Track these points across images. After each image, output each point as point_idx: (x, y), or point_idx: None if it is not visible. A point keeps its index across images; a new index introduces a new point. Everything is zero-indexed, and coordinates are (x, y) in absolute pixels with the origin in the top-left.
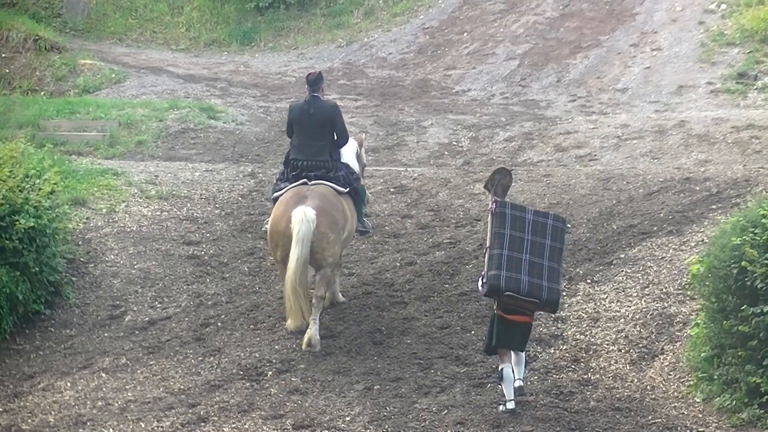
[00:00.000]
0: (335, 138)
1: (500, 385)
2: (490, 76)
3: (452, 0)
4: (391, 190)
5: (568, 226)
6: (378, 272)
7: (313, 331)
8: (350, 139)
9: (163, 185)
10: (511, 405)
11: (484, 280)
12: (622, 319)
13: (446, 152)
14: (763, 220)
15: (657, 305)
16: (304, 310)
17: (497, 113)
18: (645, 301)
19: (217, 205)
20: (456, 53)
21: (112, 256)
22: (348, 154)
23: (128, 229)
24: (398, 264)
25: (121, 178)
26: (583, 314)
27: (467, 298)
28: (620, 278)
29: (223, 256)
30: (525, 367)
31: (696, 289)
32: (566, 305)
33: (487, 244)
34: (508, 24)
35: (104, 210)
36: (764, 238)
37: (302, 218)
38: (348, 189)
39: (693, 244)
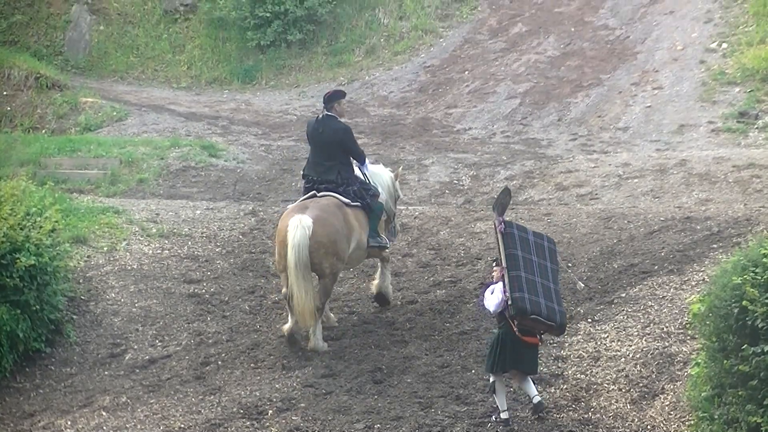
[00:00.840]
0: (349, 158)
1: (492, 396)
2: (491, 114)
3: (453, 39)
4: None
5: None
6: (379, 310)
7: (313, 343)
8: (386, 170)
9: (164, 223)
10: (505, 415)
11: (509, 302)
12: (623, 359)
13: (447, 191)
14: (764, 260)
15: (658, 344)
16: (310, 317)
17: (498, 152)
18: (646, 340)
19: (218, 244)
20: (457, 92)
21: (113, 294)
22: (382, 183)
23: (129, 267)
24: (399, 302)
25: (122, 216)
26: (584, 353)
27: (468, 337)
28: (621, 317)
29: (223, 294)
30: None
31: (697, 328)
32: (567, 344)
33: (504, 264)
34: (509, 62)
35: (105, 248)
36: (765, 277)
37: (297, 225)
38: (359, 203)
39: (694, 283)
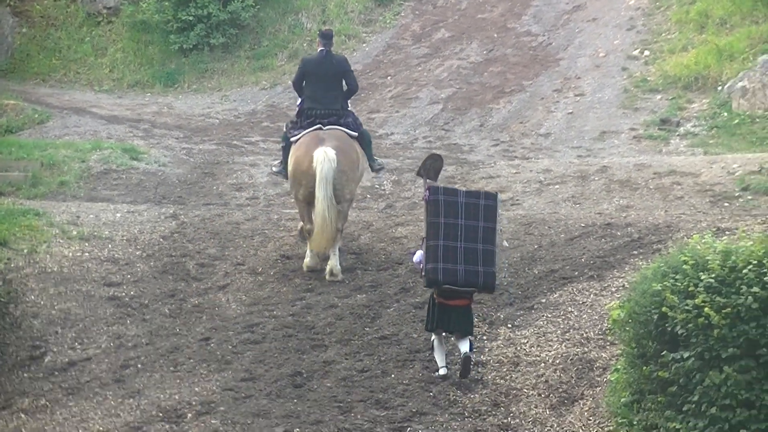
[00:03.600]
0: (344, 89)
1: (432, 353)
2: (414, 119)
3: (377, 44)
4: None
5: (501, 200)
6: (299, 315)
7: (334, 262)
8: None
9: (84, 226)
10: (443, 371)
11: (422, 273)
12: (543, 364)
13: (369, 195)
14: (684, 267)
15: (577, 350)
16: (331, 241)
17: (420, 157)
18: (565, 345)
19: (138, 247)
20: (379, 97)
21: (33, 297)
22: None
23: (49, 270)
24: (319, 307)
25: (43, 219)
26: (504, 359)
27: (388, 342)
28: (541, 323)
29: (143, 297)
30: (471, 349)
31: (616, 334)
32: (486, 349)
33: (424, 234)
34: (432, 68)
35: (25, 250)
36: (685, 284)
37: (324, 158)
38: (357, 133)
39: (614, 289)
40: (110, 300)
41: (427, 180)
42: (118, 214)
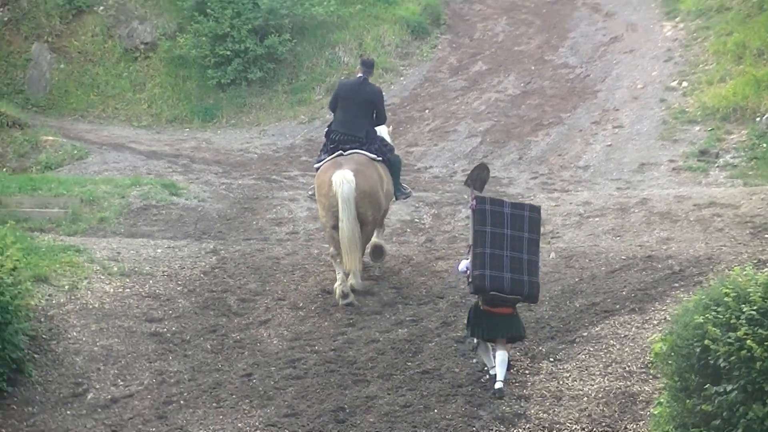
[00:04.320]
0: (374, 118)
1: (478, 356)
2: (452, 153)
3: (414, 77)
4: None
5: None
6: (340, 349)
7: (354, 281)
8: (384, 128)
9: (125, 262)
10: (493, 371)
11: (469, 280)
12: (585, 398)
13: (408, 229)
14: (726, 299)
15: (620, 384)
16: (361, 260)
17: (459, 190)
18: (608, 379)
19: (179, 282)
20: (418, 130)
21: (75, 333)
22: (383, 132)
23: (90, 306)
24: (361, 341)
25: (84, 255)
26: (546, 393)
27: (430, 376)
28: (583, 356)
29: (185, 333)
30: (508, 369)
31: (659, 367)
32: (529, 383)
33: (470, 243)
34: (470, 101)
35: (66, 287)
36: (727, 316)
37: (342, 180)
38: (381, 158)
39: (655, 322)
40: (152, 336)
41: (474, 190)
42: (159, 250)
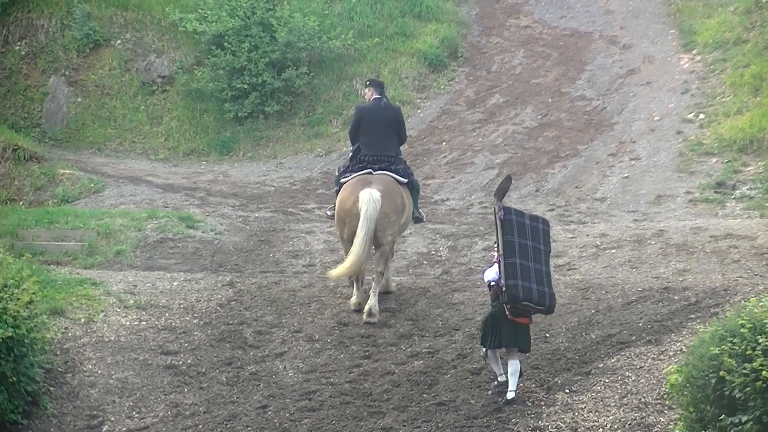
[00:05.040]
0: (398, 136)
1: (488, 364)
2: (469, 185)
3: (431, 110)
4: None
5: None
6: (356, 382)
7: (373, 302)
8: None
9: (141, 295)
10: (502, 378)
11: (503, 289)
12: (601, 429)
13: (425, 261)
14: (742, 330)
15: (635, 415)
16: (355, 275)
17: (476, 222)
18: (623, 410)
19: (195, 315)
20: (435, 162)
21: (90, 366)
22: None
23: (106, 339)
24: (376, 373)
25: (100, 288)
26: (562, 424)
27: (445, 408)
28: (599, 388)
29: (201, 365)
30: (519, 378)
31: (674, 398)
32: (544, 415)
33: (500, 252)
34: (487, 133)
35: (82, 320)
36: (743, 347)
37: (369, 198)
38: (407, 180)
39: (671, 353)
40: (167, 368)
41: (498, 201)
42: (175, 283)
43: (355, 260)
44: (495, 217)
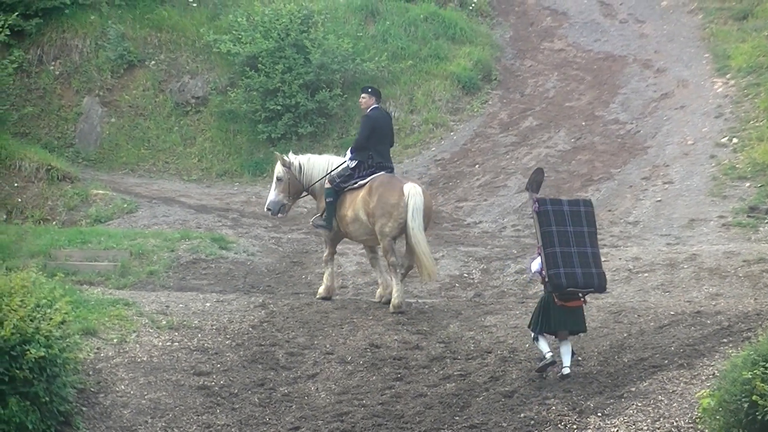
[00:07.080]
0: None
1: (536, 344)
2: (502, 208)
3: (464, 132)
4: (402, 321)
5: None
6: (388, 404)
7: (398, 297)
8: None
9: (174, 315)
10: (549, 357)
11: (546, 279)
12: None
13: (457, 284)
14: None
15: None
16: (435, 265)
17: (508, 245)
18: None
19: (227, 336)
20: (467, 185)
21: (123, 387)
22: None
23: (139, 360)
24: (408, 396)
25: (132, 308)
26: None
27: (477, 431)
28: (631, 411)
29: (233, 386)
30: (572, 358)
31: (707, 423)
32: None
33: (540, 244)
34: (520, 156)
35: (115, 340)
36: None
37: (415, 191)
38: None
39: (704, 377)
40: (200, 389)
41: (532, 193)
42: (208, 304)
43: (426, 250)
44: (531, 210)
